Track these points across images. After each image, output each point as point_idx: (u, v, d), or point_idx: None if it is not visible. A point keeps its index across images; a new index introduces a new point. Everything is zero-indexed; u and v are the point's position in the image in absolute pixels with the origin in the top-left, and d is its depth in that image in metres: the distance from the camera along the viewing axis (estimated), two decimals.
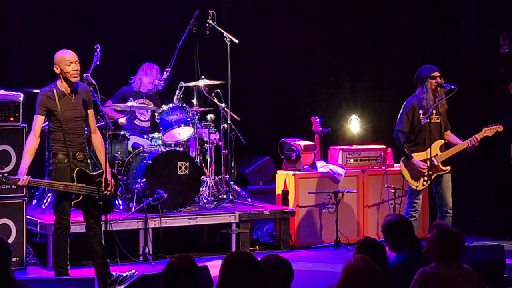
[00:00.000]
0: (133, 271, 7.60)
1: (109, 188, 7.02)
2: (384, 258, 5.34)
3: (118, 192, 7.83)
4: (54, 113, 7.04)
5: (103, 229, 7.07)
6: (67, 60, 7.01)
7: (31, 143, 7.01)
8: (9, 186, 7.98)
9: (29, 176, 6.90)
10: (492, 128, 8.56)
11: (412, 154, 8.54)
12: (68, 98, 7.08)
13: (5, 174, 6.93)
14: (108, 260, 7.29)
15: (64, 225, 7.15)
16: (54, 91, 7.05)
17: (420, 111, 8.47)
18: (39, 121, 7.04)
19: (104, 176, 7.03)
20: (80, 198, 7.03)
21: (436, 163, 8.53)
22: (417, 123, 8.50)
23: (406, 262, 5.61)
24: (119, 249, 8.27)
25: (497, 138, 8.73)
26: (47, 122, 7.33)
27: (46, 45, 10.04)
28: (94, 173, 7.12)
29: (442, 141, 8.62)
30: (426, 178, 8.51)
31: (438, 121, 8.57)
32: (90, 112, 7.21)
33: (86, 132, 7.26)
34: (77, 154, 7.10)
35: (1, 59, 9.91)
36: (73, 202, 7.06)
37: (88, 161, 7.23)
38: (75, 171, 7.02)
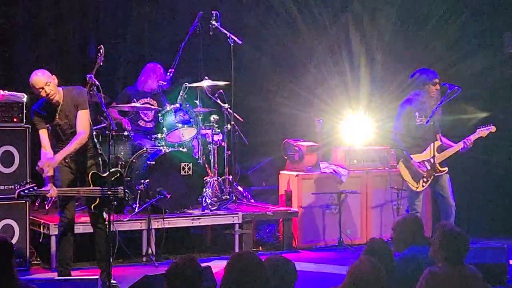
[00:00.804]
0: (116, 283, 7.44)
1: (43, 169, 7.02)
2: (390, 259, 5.35)
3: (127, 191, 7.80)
4: (49, 125, 7.13)
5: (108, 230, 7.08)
6: (36, 88, 7.04)
7: (50, 157, 7.05)
8: (11, 186, 7.97)
9: (56, 188, 6.99)
10: (485, 129, 8.66)
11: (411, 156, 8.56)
12: (56, 111, 7.11)
13: (35, 188, 6.95)
14: (109, 263, 7.28)
15: (67, 225, 7.18)
16: (44, 106, 7.11)
17: (417, 114, 8.52)
18: (43, 135, 7.12)
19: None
20: (98, 201, 7.11)
21: (434, 164, 8.55)
22: (413, 125, 8.54)
23: (412, 259, 5.62)
24: (122, 250, 8.27)
25: (489, 138, 8.78)
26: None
27: (49, 46, 10.04)
28: (104, 174, 7.16)
29: (439, 142, 8.67)
30: (425, 179, 8.54)
31: (433, 123, 8.60)
32: (79, 113, 7.12)
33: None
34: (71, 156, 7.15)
35: (4, 60, 9.91)
36: (92, 206, 7.14)
37: (92, 160, 7.24)
38: (90, 175, 7.10)
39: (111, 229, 7.02)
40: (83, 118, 7.13)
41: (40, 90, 6.99)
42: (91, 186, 7.09)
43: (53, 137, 7.20)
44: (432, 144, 8.53)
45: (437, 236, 5.19)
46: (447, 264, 5.05)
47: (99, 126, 8.80)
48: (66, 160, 7.12)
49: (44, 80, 7.00)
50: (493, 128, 8.67)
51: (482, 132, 8.67)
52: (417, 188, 8.61)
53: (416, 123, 8.53)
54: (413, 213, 8.53)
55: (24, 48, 10.00)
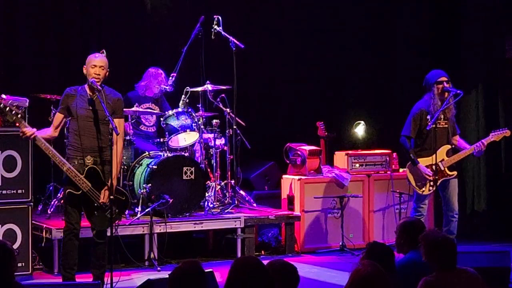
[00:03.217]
0: None
1: (103, 200, 7.06)
2: (392, 263, 5.34)
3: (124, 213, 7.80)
4: (71, 108, 7.16)
5: (108, 234, 7.08)
6: (92, 63, 7.18)
7: (47, 131, 7.20)
8: (15, 191, 7.99)
9: (36, 130, 7.00)
10: (499, 134, 8.59)
11: (419, 159, 8.53)
12: (86, 98, 7.18)
13: (18, 112, 6.95)
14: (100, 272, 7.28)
15: (71, 229, 7.18)
16: (77, 89, 7.23)
17: (428, 116, 8.46)
18: (57, 117, 7.26)
19: (110, 182, 7.06)
20: (79, 192, 7.06)
21: (442, 168, 8.52)
22: (424, 128, 8.49)
23: (413, 264, 5.61)
24: (124, 254, 8.27)
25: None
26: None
27: (53, 50, 10.06)
28: (105, 181, 7.13)
29: (449, 146, 8.60)
30: (432, 183, 8.49)
31: (446, 126, 8.55)
32: (116, 121, 7.11)
33: (102, 137, 7.17)
34: (86, 158, 7.12)
35: (8, 64, 9.92)
36: (67, 190, 7.08)
37: (107, 166, 7.17)
38: (88, 166, 7.09)
39: (112, 234, 7.03)
40: (121, 126, 7.25)
41: (93, 67, 7.13)
42: (83, 175, 7.03)
43: (69, 135, 7.25)
44: (441, 148, 8.49)
45: (422, 248, 5.19)
46: (442, 272, 5.03)
47: None
48: (80, 163, 7.12)
49: (106, 63, 7.22)
50: (507, 132, 8.60)
51: (496, 136, 8.60)
52: (423, 191, 8.57)
53: (427, 126, 8.45)
54: (417, 215, 8.52)
55: (26, 52, 10.00)
